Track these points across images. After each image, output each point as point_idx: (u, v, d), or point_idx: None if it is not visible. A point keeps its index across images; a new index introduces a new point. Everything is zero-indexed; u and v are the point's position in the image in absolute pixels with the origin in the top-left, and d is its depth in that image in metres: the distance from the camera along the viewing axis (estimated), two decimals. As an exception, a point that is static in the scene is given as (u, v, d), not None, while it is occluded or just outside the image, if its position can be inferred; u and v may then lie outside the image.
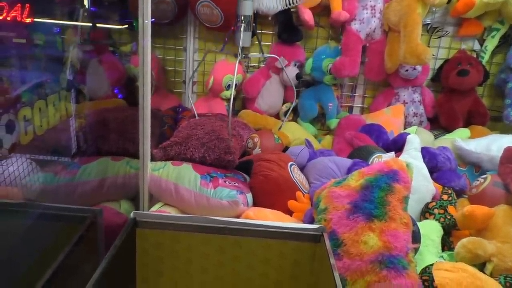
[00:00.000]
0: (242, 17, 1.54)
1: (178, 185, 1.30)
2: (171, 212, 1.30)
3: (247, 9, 1.52)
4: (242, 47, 1.62)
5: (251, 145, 1.69)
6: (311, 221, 1.24)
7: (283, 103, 2.18)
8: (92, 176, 1.33)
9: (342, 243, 1.07)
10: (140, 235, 1.05)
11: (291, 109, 2.11)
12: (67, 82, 1.36)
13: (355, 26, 2.00)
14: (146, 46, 1.18)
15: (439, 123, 2.13)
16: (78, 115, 1.44)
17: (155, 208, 1.32)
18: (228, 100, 2.15)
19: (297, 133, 1.98)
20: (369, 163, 1.54)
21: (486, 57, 2.10)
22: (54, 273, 0.91)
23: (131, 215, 1.05)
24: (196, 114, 1.70)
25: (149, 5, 1.16)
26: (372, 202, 1.09)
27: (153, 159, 1.38)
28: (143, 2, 1.15)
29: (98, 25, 1.85)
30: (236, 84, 2.11)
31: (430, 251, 1.28)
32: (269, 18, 2.02)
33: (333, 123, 2.13)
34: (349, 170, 1.45)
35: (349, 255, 1.05)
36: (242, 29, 1.53)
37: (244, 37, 1.56)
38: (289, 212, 1.38)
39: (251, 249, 1.06)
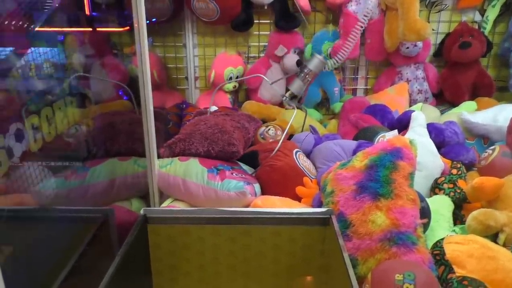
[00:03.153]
0: (305, 69, 1.59)
1: (186, 180, 1.32)
2: (180, 206, 1.32)
3: (313, 65, 1.56)
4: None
5: (273, 134, 1.66)
6: (320, 205, 1.24)
7: (286, 91, 2.18)
8: (101, 178, 1.35)
9: (350, 224, 1.07)
10: (152, 231, 1.07)
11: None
12: (72, 88, 1.38)
13: (352, 7, 1.99)
14: (143, 46, 1.19)
15: (444, 98, 2.12)
16: (85, 119, 1.47)
17: (165, 204, 1.35)
18: (231, 92, 2.16)
19: (301, 120, 1.98)
20: (375, 143, 1.54)
21: (488, 27, 2.07)
22: (70, 272, 0.94)
23: (141, 211, 1.07)
24: (208, 111, 1.72)
25: (142, 6, 1.17)
26: (378, 181, 1.09)
27: (160, 157, 1.40)
28: (136, 3, 1.16)
29: (99, 29, 1.87)
30: (237, 76, 2.13)
31: (441, 226, 1.28)
32: (265, 7, 2.02)
33: (337, 107, 2.13)
34: (354, 152, 1.44)
35: (358, 235, 1.06)
36: (304, 80, 1.59)
37: (297, 85, 1.62)
38: (298, 199, 1.38)
39: (261, 236, 1.08)
